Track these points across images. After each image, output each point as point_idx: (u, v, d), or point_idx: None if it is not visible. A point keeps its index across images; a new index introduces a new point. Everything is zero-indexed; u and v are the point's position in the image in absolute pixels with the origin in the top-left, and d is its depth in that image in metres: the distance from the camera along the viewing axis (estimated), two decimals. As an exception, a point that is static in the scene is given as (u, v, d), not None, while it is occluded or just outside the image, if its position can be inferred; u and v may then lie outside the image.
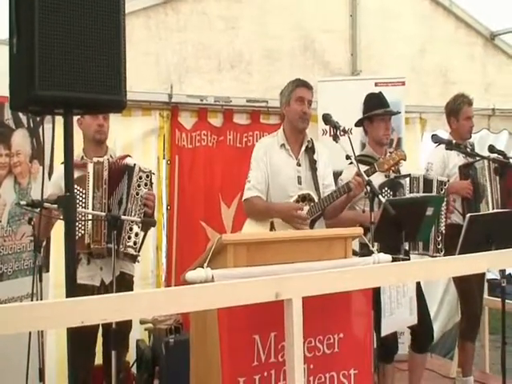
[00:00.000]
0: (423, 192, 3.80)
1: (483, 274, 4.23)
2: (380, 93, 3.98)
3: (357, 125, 3.99)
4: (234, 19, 4.93)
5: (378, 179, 3.64)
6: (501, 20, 5.91)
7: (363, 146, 4.47)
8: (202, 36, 4.80)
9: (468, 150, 4.26)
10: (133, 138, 4.49)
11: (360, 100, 4.47)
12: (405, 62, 5.66)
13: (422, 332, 3.63)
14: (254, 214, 3.53)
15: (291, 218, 3.39)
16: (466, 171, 4.17)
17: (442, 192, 3.82)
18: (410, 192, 3.81)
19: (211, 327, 2.47)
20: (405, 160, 3.54)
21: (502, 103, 6.11)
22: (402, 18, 5.68)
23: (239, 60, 4.95)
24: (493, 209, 4.06)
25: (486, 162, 4.13)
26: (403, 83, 4.99)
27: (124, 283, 3.34)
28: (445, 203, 3.78)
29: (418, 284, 3.46)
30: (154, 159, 4.57)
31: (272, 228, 3.44)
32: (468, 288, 4.17)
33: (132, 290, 3.43)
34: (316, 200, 3.47)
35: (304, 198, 3.48)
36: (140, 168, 3.31)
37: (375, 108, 3.85)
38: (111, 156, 3.45)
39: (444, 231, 3.76)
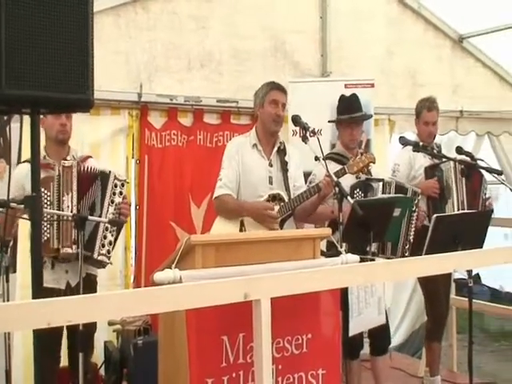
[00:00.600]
0: None
1: (449, 274, 4.28)
2: (352, 96, 4.01)
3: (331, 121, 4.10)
4: (205, 19, 4.91)
5: (349, 180, 3.69)
6: (469, 23, 5.97)
7: (333, 146, 4.50)
8: (172, 35, 4.77)
9: (435, 151, 4.31)
10: (101, 137, 4.44)
11: (330, 101, 4.54)
12: (374, 63, 5.70)
13: (379, 335, 3.66)
14: (225, 212, 3.55)
15: (262, 217, 3.42)
16: (432, 172, 4.21)
17: (415, 202, 3.87)
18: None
19: (179, 328, 2.47)
20: (374, 163, 3.59)
21: (469, 105, 6.18)
22: (371, 20, 5.71)
23: (209, 60, 4.93)
24: (458, 210, 4.10)
25: (451, 163, 4.16)
26: (372, 85, 5.03)
27: (90, 284, 3.33)
28: (416, 213, 3.84)
29: None
30: (122, 159, 4.52)
31: (242, 227, 3.46)
32: (433, 288, 4.22)
33: (96, 289, 3.41)
34: (286, 200, 3.49)
35: (274, 198, 3.51)
36: (115, 176, 3.32)
37: (342, 112, 3.92)
38: (73, 157, 3.42)
39: (411, 239, 3.82)
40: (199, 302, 2.01)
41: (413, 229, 3.86)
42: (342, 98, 4.01)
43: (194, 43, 4.86)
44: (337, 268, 2.51)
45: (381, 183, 3.86)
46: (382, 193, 3.86)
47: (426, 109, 4.38)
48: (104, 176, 3.29)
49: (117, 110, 4.51)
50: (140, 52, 4.63)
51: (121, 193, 3.31)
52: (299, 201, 3.45)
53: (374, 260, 3.22)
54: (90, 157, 3.59)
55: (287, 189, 3.54)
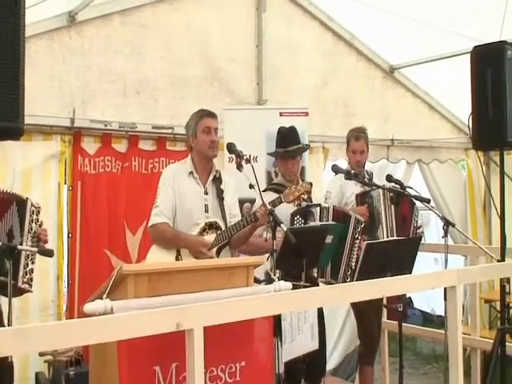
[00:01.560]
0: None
1: (381, 299, 4.38)
2: (290, 128, 4.08)
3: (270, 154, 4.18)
4: (141, 44, 4.91)
5: (289, 208, 3.75)
6: (400, 54, 6.18)
7: (268, 174, 4.59)
8: (107, 60, 4.73)
9: (366, 179, 4.42)
10: (33, 163, 4.32)
11: (265, 129, 4.65)
12: (308, 92, 5.82)
13: (314, 363, 3.70)
14: (161, 241, 3.53)
15: (197, 253, 3.41)
16: (363, 199, 4.33)
17: (358, 230, 3.95)
18: (320, 222, 3.92)
19: (110, 359, 2.43)
20: (309, 192, 3.66)
21: (400, 134, 6.38)
22: (306, 49, 5.84)
23: (145, 86, 4.91)
24: (387, 236, 4.22)
25: (381, 190, 4.28)
26: (307, 114, 5.13)
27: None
28: (358, 241, 3.91)
29: (321, 314, 3.56)
30: (54, 185, 4.39)
31: (178, 255, 3.44)
32: (365, 312, 4.30)
33: (3, 321, 3.30)
34: (223, 228, 3.50)
35: (211, 226, 3.50)
36: (32, 203, 3.26)
37: (279, 145, 4.00)
38: None
39: (354, 267, 3.86)
40: (131, 332, 1.99)
41: (355, 255, 3.91)
42: (280, 131, 4.11)
43: (130, 69, 4.84)
44: (269, 295, 2.53)
45: (318, 208, 3.93)
46: (320, 218, 3.92)
47: (353, 138, 4.55)
48: (20, 201, 3.23)
49: (49, 135, 4.42)
50: (74, 77, 4.57)
51: (37, 220, 3.26)
52: (236, 229, 3.46)
53: (307, 286, 3.25)
54: None
55: (223, 217, 3.55)
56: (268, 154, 4.33)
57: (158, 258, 3.45)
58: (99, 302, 2.30)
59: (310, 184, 4.16)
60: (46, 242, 3.31)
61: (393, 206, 4.24)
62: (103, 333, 1.92)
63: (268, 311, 2.42)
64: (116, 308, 2.29)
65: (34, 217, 3.24)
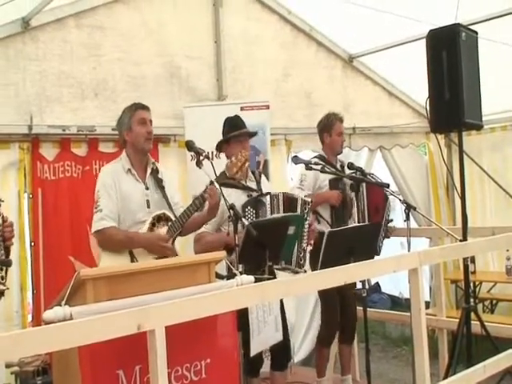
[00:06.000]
0: (287, 210, 3.89)
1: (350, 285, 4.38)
2: (236, 116, 4.07)
3: (217, 149, 4.09)
4: (97, 46, 4.87)
5: (240, 199, 3.74)
6: (358, 43, 6.24)
7: (232, 169, 4.55)
8: (63, 64, 4.68)
9: (338, 165, 4.47)
10: (-9, 173, 4.27)
11: (226, 125, 4.58)
12: (269, 86, 5.84)
13: (278, 351, 3.71)
14: (111, 246, 3.41)
15: (159, 248, 3.35)
16: (336, 184, 4.37)
17: (306, 211, 3.94)
18: (271, 210, 3.87)
19: (73, 366, 2.40)
20: (249, 161, 3.62)
21: (361, 122, 6.44)
22: (265, 43, 5.85)
23: (103, 88, 4.87)
24: (358, 222, 4.24)
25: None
26: (267, 107, 5.15)
27: None
28: (308, 222, 3.90)
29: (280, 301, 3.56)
30: (14, 194, 4.32)
31: (133, 257, 3.36)
32: (328, 296, 4.31)
33: None
34: (172, 218, 3.46)
35: (160, 219, 3.44)
36: None
37: (230, 131, 3.97)
38: None
39: (306, 248, 3.86)
40: (90, 337, 1.97)
41: (306, 238, 3.86)
42: (227, 119, 4.07)
43: (87, 71, 4.80)
44: (231, 290, 2.52)
45: (268, 197, 3.90)
46: (271, 205, 3.88)
47: (338, 120, 4.65)
48: None
49: (7, 143, 4.35)
50: (30, 83, 4.52)
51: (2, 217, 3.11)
52: (187, 216, 3.40)
53: (270, 279, 3.25)
54: None
55: (170, 207, 3.50)
56: (219, 142, 4.09)
57: (113, 263, 3.33)
58: (58, 309, 2.27)
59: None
60: (10, 238, 3.14)
61: (365, 194, 4.27)
62: (63, 339, 1.90)
63: (231, 306, 2.41)
64: (75, 314, 2.27)
65: None
